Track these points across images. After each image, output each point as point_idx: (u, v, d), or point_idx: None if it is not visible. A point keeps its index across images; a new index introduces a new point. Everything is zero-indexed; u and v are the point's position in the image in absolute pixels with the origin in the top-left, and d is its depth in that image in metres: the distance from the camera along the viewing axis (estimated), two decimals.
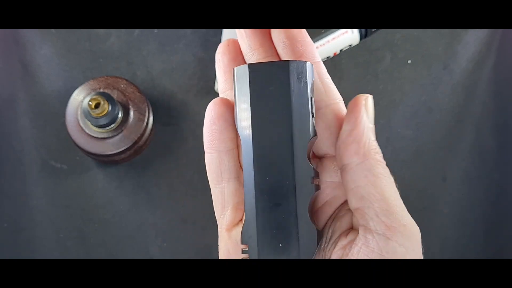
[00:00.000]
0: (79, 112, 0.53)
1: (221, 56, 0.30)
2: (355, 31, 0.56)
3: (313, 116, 0.28)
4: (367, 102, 0.27)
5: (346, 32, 0.55)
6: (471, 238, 0.56)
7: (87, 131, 0.52)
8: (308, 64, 0.28)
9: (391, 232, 0.26)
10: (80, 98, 0.53)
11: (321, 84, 0.29)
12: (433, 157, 0.57)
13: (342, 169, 0.27)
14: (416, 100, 0.58)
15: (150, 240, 0.55)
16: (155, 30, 0.58)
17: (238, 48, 0.30)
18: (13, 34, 0.57)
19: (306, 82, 0.27)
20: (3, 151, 0.55)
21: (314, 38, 0.55)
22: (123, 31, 0.58)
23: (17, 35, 0.57)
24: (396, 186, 0.28)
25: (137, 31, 0.58)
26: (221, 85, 0.30)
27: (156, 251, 0.55)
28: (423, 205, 0.57)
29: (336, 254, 0.27)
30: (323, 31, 0.55)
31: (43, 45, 0.57)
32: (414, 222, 0.27)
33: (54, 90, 0.56)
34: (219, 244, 0.30)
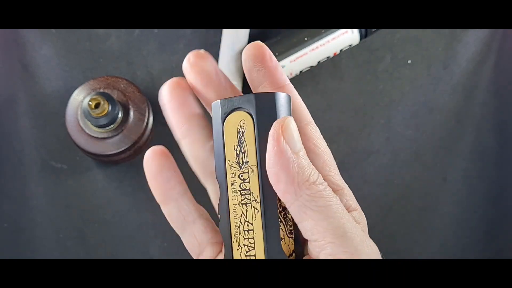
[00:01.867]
0: (79, 112, 0.53)
1: (168, 100, 0.29)
2: (355, 31, 0.56)
3: None
4: (286, 128, 0.26)
5: (346, 32, 0.55)
6: (471, 238, 0.56)
7: (87, 131, 0.52)
8: (275, 94, 0.28)
9: (346, 257, 0.26)
10: (80, 98, 0.53)
11: (292, 105, 0.29)
12: (433, 157, 0.57)
13: (284, 206, 0.27)
14: (416, 100, 0.58)
15: (150, 240, 0.55)
16: (155, 30, 0.58)
17: (184, 90, 0.30)
18: (13, 34, 0.57)
19: (274, 111, 0.28)
20: (3, 151, 0.55)
21: (314, 38, 0.55)
22: (123, 31, 0.58)
23: (17, 35, 0.57)
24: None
25: (137, 31, 0.58)
26: (176, 134, 0.30)
27: (156, 251, 0.55)
28: (423, 205, 0.57)
29: None
30: (323, 31, 0.55)
31: (43, 45, 0.57)
32: (367, 239, 0.27)
33: (54, 90, 0.56)
34: None
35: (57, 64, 0.57)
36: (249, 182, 0.28)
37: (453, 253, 0.56)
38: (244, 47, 0.30)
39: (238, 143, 0.28)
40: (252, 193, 0.28)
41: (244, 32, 0.56)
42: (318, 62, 0.56)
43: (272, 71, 0.29)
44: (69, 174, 0.55)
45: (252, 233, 0.28)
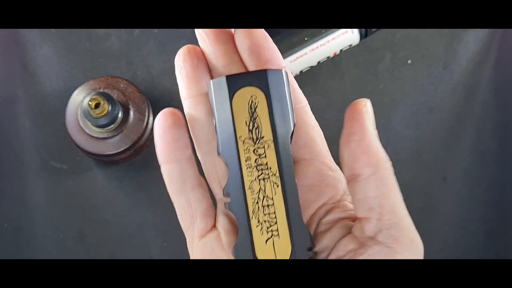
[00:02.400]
0: (79, 112, 0.53)
1: (182, 63, 0.29)
2: (355, 31, 0.55)
3: (293, 117, 0.28)
4: (367, 108, 0.27)
5: (346, 32, 0.55)
6: (472, 238, 0.56)
7: (87, 131, 0.52)
8: (283, 71, 0.28)
9: (399, 245, 0.26)
10: (80, 98, 0.53)
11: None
12: (433, 157, 0.57)
13: (351, 179, 0.27)
14: (416, 100, 0.58)
15: (150, 240, 0.55)
16: (155, 30, 0.58)
17: (199, 54, 0.30)
18: (13, 34, 0.57)
19: (284, 87, 0.28)
20: (3, 151, 0.55)
21: (314, 38, 0.55)
22: (123, 31, 0.58)
23: (17, 35, 0.57)
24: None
25: (137, 31, 0.58)
26: (183, 92, 0.30)
27: (156, 251, 0.55)
28: (423, 205, 0.57)
29: None
30: (323, 31, 0.55)
31: (43, 45, 0.57)
32: (419, 236, 0.27)
33: (54, 90, 0.56)
34: (191, 256, 0.29)
35: (57, 64, 0.57)
36: (265, 157, 0.28)
37: (453, 253, 0.56)
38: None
39: (251, 118, 0.28)
40: (270, 168, 0.28)
41: None
42: (318, 62, 0.56)
43: (273, 53, 0.29)
44: (69, 174, 0.55)
45: (273, 208, 0.27)
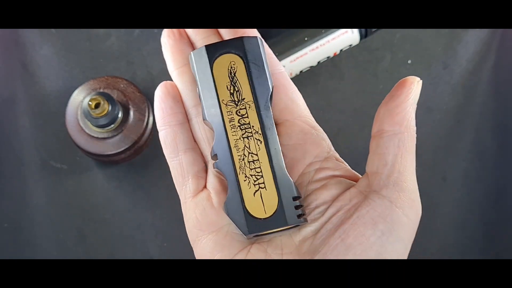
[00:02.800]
0: (79, 112, 0.53)
1: (166, 39, 0.33)
2: (355, 31, 0.56)
3: (270, 77, 0.30)
4: (418, 84, 0.30)
5: (346, 32, 0.55)
6: (471, 238, 0.56)
7: (87, 131, 0.52)
8: (258, 38, 0.31)
9: (400, 201, 0.29)
10: (80, 98, 0.53)
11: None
12: (433, 157, 0.57)
13: (377, 134, 0.29)
14: None
15: (150, 240, 0.55)
16: (155, 30, 0.58)
17: (181, 31, 0.33)
18: (13, 34, 0.57)
19: (260, 52, 0.30)
20: (3, 151, 0.55)
21: (314, 38, 0.55)
22: (123, 31, 0.58)
23: (17, 35, 0.57)
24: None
25: (137, 31, 0.58)
26: (170, 65, 0.33)
27: (156, 251, 0.55)
28: (423, 205, 0.56)
29: (339, 217, 0.28)
30: (323, 31, 0.55)
31: (43, 45, 0.57)
32: (420, 201, 0.30)
33: (54, 90, 0.56)
34: (184, 216, 0.31)
35: (57, 64, 0.57)
36: (247, 117, 0.30)
37: (452, 253, 0.56)
38: None
39: (231, 83, 0.30)
40: (253, 126, 0.30)
41: None
42: (318, 62, 0.56)
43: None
44: (69, 174, 0.55)
45: (258, 163, 0.29)
